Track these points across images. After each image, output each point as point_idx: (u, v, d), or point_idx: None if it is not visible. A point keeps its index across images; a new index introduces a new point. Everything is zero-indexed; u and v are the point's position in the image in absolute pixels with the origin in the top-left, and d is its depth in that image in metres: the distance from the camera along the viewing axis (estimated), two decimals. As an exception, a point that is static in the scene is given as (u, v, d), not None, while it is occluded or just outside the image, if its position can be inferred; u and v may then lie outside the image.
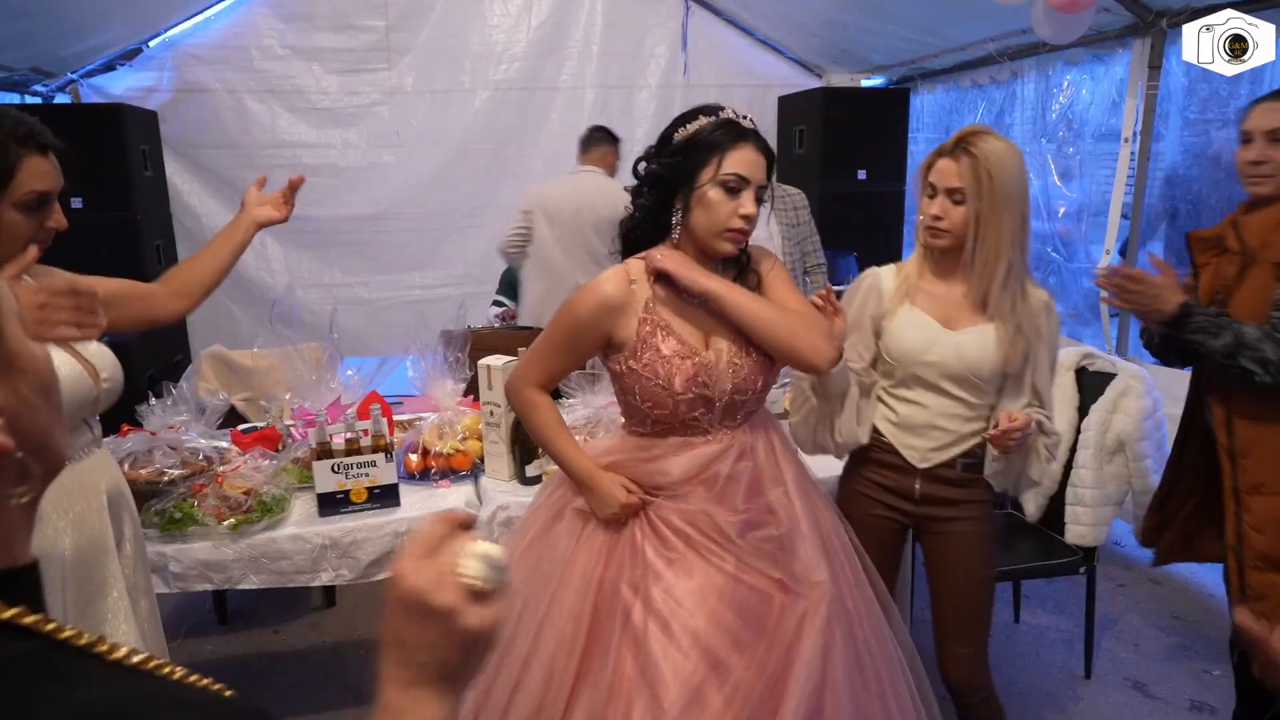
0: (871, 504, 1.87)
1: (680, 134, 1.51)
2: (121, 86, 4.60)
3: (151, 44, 4.64)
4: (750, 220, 1.51)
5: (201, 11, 4.63)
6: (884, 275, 1.86)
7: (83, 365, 1.51)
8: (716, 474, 1.54)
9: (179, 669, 0.58)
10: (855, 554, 1.67)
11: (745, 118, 1.52)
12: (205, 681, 0.58)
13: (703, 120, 1.50)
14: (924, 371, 1.76)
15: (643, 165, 1.57)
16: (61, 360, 1.46)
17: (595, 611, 1.51)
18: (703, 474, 1.55)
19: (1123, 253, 3.58)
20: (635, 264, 1.59)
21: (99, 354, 1.57)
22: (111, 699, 0.51)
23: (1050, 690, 2.59)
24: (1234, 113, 4.20)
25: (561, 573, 1.56)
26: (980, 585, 1.86)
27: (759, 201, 1.52)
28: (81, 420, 1.53)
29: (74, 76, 4.47)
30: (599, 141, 3.78)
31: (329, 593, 3.14)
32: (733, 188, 1.48)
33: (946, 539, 1.83)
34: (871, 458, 1.86)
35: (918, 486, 1.81)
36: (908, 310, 1.78)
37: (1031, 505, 2.66)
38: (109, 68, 4.60)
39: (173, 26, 4.63)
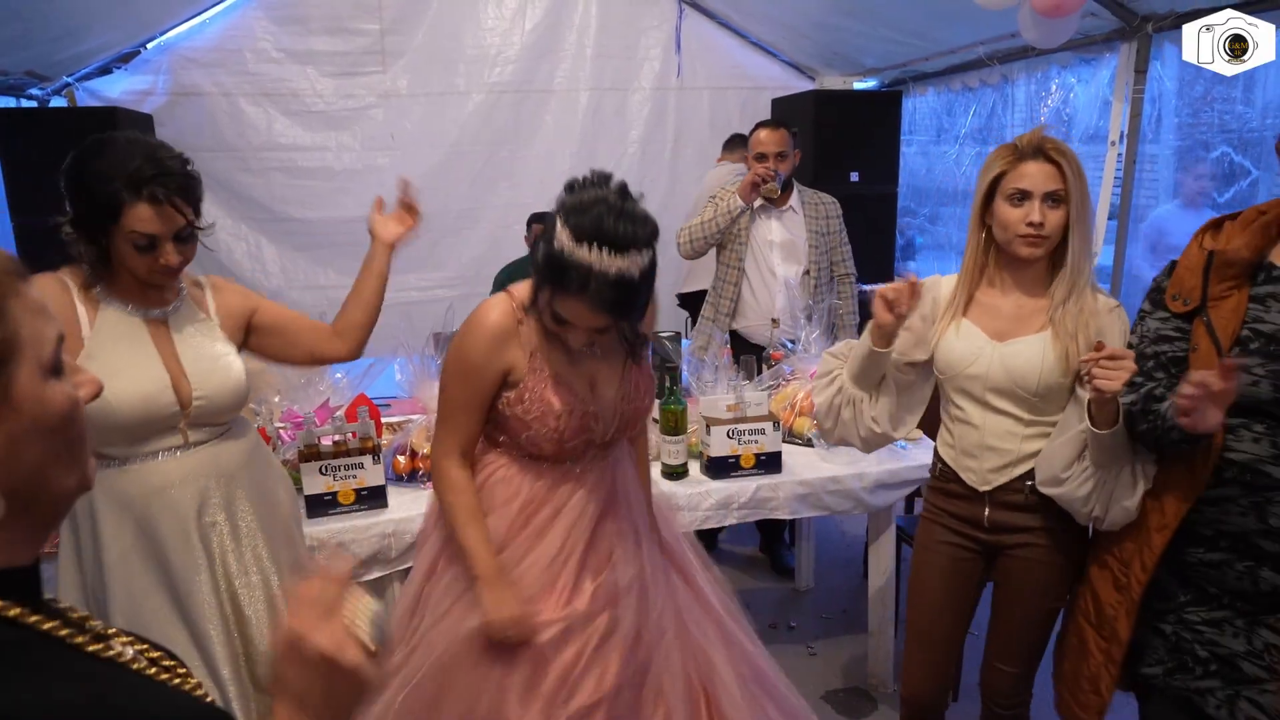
0: (943, 532, 1.81)
1: (556, 237, 1.35)
2: (117, 90, 4.62)
3: (147, 47, 4.66)
4: (578, 347, 1.51)
5: (196, 15, 4.65)
6: (944, 284, 1.80)
7: (174, 378, 1.57)
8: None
9: (164, 668, 0.59)
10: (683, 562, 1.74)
11: (613, 254, 1.32)
12: (192, 684, 0.61)
13: (567, 246, 1.33)
14: (970, 385, 1.70)
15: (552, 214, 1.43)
16: (141, 377, 1.52)
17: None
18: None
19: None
20: (521, 292, 1.53)
21: (215, 370, 1.62)
22: (77, 692, 0.53)
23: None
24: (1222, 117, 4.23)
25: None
26: (1041, 617, 1.78)
27: (603, 333, 1.47)
28: (166, 428, 1.57)
29: (69, 80, 4.49)
30: (738, 144, 4.43)
31: (321, 593, 3.16)
32: (559, 321, 1.44)
33: (1015, 563, 1.75)
34: (938, 487, 1.83)
35: (987, 513, 1.74)
36: (960, 322, 1.73)
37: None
38: (104, 71, 4.62)
39: (168, 30, 4.65)
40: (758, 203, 3.10)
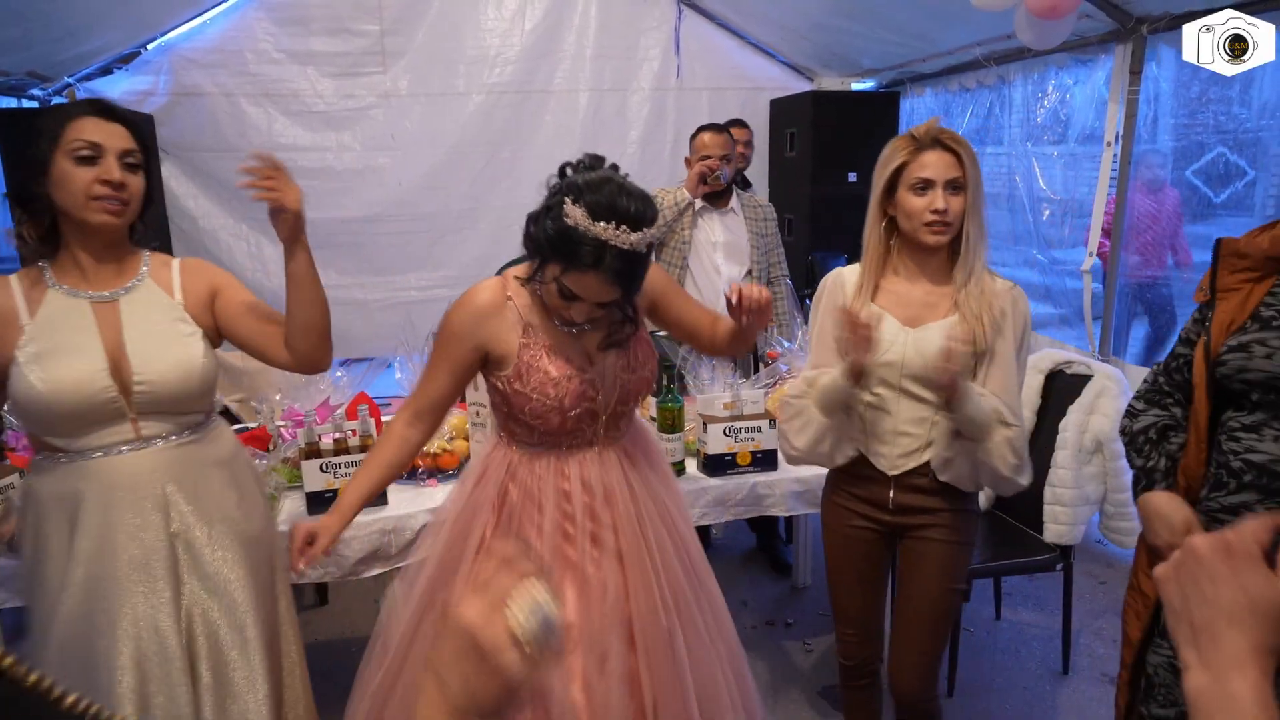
0: (850, 515, 1.86)
1: (567, 214, 1.40)
2: (118, 90, 4.64)
3: (148, 48, 4.68)
4: (580, 322, 1.54)
5: (197, 15, 4.67)
6: (847, 275, 1.83)
7: (114, 361, 1.48)
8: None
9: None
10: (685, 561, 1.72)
11: (628, 230, 1.38)
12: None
13: (582, 223, 1.38)
14: (885, 372, 1.72)
15: (553, 189, 1.48)
16: (76, 360, 1.45)
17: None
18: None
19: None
20: (514, 279, 1.59)
21: (164, 353, 1.52)
22: None
23: (1028, 685, 2.64)
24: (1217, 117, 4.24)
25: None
26: (941, 598, 1.82)
27: (606, 306, 1.50)
28: (110, 417, 1.48)
29: (70, 80, 4.51)
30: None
31: (321, 591, 3.18)
32: (566, 296, 1.47)
33: (916, 545, 1.81)
34: (845, 469, 1.85)
35: (891, 495, 1.79)
36: (868, 310, 1.74)
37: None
38: (105, 71, 4.64)
39: (169, 31, 4.67)
40: (699, 204, 3.21)
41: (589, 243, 1.39)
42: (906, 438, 1.75)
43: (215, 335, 1.65)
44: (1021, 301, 1.73)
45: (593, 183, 1.42)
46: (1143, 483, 1.57)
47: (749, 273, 3.26)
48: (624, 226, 1.38)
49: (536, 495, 1.60)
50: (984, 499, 2.63)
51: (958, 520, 1.79)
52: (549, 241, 1.43)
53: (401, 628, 1.62)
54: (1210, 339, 1.43)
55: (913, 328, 1.72)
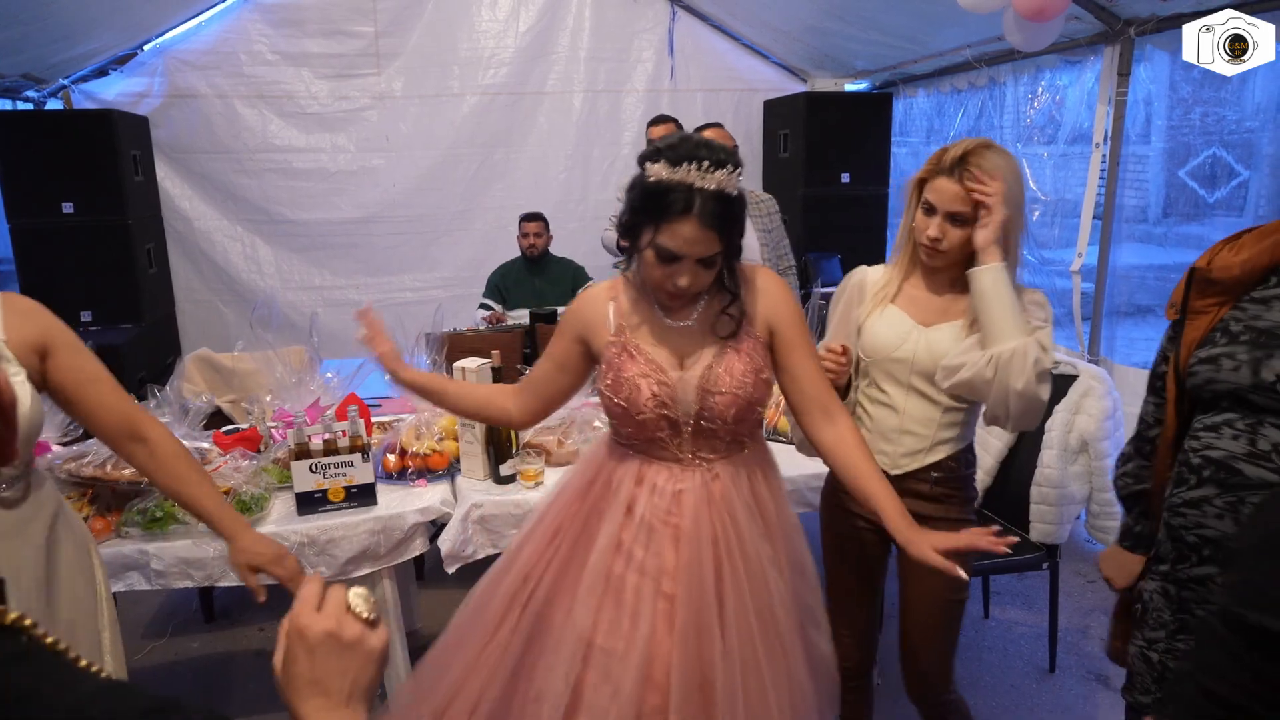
0: (849, 516, 1.85)
1: (649, 173, 1.42)
2: (113, 92, 4.67)
3: (143, 49, 4.70)
4: (685, 289, 1.47)
5: (192, 18, 4.69)
6: (870, 274, 1.82)
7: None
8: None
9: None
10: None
11: (709, 165, 1.39)
12: (85, 662, 0.60)
13: (665, 174, 1.40)
14: (895, 369, 1.72)
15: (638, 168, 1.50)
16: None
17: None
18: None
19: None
20: (625, 278, 1.59)
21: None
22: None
23: (1015, 683, 2.65)
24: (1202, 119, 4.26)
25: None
26: (946, 606, 1.79)
27: (709, 266, 1.46)
28: None
29: (66, 82, 4.53)
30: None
31: (314, 590, 3.19)
32: (666, 258, 1.44)
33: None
34: None
35: None
36: (887, 309, 1.75)
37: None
38: (101, 73, 4.66)
39: (164, 33, 4.69)
40: None
41: (676, 189, 1.39)
42: (912, 437, 1.74)
43: (41, 384, 1.44)
44: (1043, 310, 1.68)
45: (668, 140, 1.45)
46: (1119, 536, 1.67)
47: None
48: (706, 164, 1.39)
49: (610, 491, 1.60)
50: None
51: (959, 530, 1.72)
52: (639, 206, 1.43)
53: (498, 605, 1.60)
54: (1179, 354, 1.46)
55: (927, 326, 1.72)
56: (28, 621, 0.57)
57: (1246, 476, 1.35)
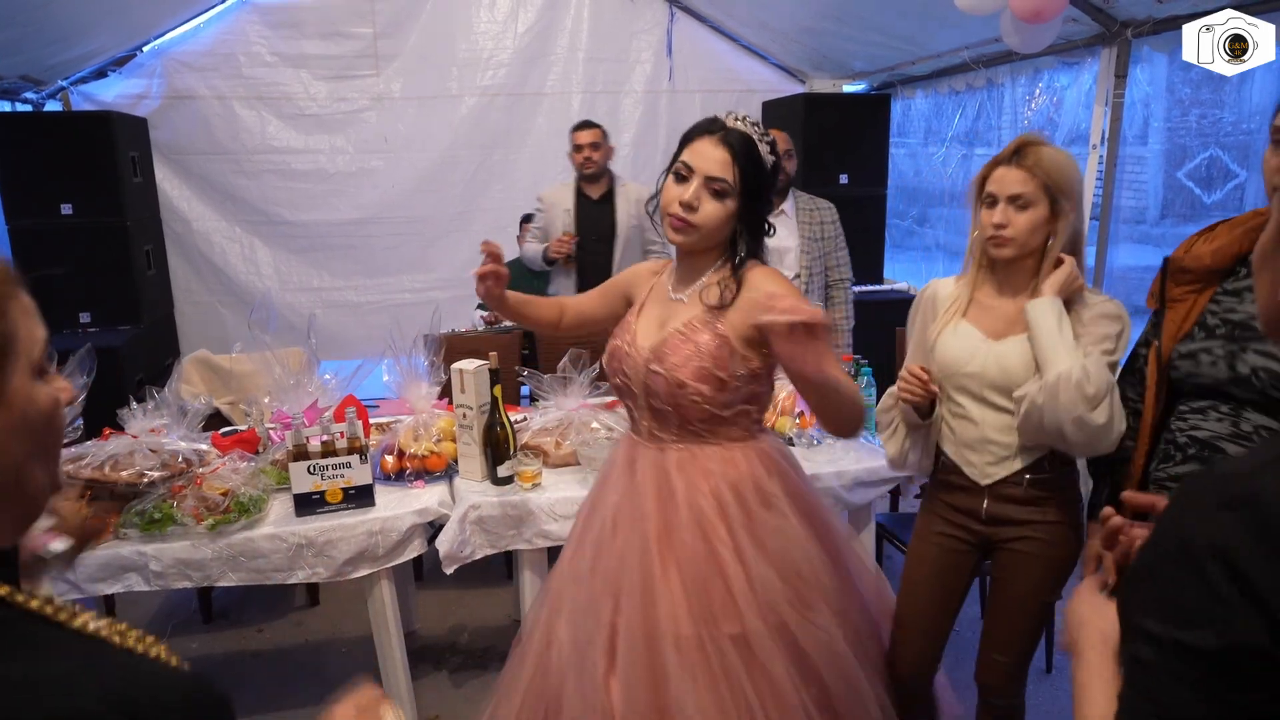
0: (940, 523, 1.85)
1: (686, 135, 1.60)
2: (112, 93, 4.66)
3: (142, 51, 4.70)
4: (688, 208, 1.51)
5: (191, 19, 4.70)
6: (941, 288, 1.84)
7: None
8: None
9: (138, 637, 0.63)
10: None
11: (740, 119, 1.56)
12: (165, 652, 0.64)
13: (700, 121, 1.58)
14: (968, 383, 1.74)
15: None
16: None
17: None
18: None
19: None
20: (668, 263, 1.75)
21: None
22: (72, 664, 0.57)
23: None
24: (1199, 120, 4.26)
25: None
26: (1034, 609, 1.80)
27: (718, 197, 1.51)
28: None
29: (64, 84, 4.53)
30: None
31: (312, 592, 3.20)
32: (681, 176, 1.53)
33: (1011, 556, 1.78)
34: (940, 480, 1.86)
35: (985, 505, 1.77)
36: (959, 324, 1.77)
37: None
38: (99, 75, 4.66)
39: (162, 34, 4.69)
40: None
41: (705, 121, 1.56)
42: (995, 445, 1.74)
43: None
44: (1117, 324, 1.66)
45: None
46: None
47: (796, 276, 3.19)
48: (733, 113, 1.56)
49: (610, 465, 1.76)
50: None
51: (1055, 533, 1.74)
52: (676, 150, 1.58)
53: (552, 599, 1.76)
54: (1161, 343, 1.51)
55: (996, 340, 1.73)
56: (50, 609, 0.60)
57: (1230, 455, 1.41)
